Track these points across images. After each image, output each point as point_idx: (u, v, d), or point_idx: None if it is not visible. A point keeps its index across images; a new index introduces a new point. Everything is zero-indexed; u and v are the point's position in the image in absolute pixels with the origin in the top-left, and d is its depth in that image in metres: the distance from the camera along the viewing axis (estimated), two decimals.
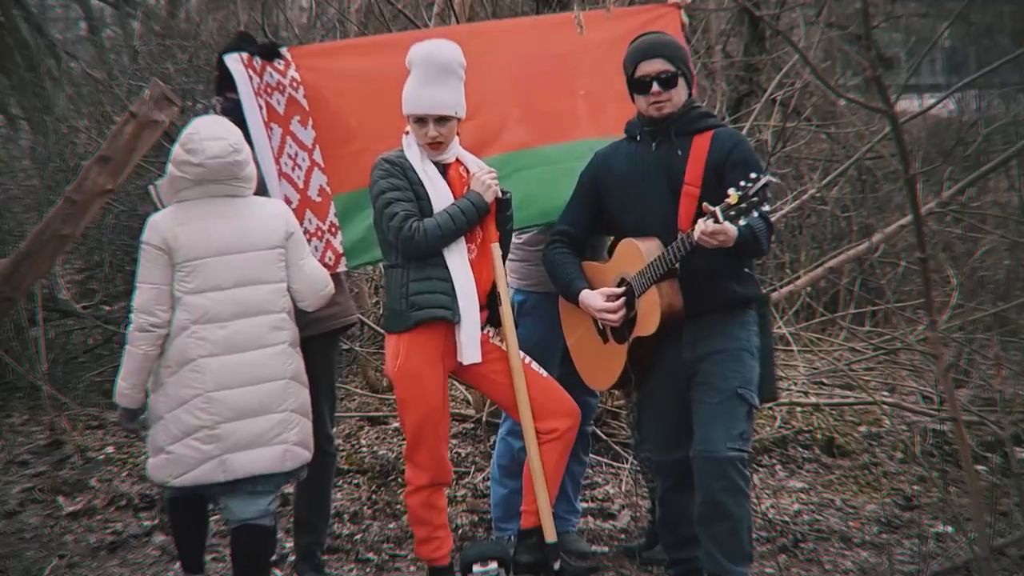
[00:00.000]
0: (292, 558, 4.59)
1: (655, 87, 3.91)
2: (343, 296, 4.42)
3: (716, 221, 3.55)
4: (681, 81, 3.94)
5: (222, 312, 3.83)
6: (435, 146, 4.01)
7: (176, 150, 3.89)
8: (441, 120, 3.97)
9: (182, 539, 4.09)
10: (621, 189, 4.00)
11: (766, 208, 3.57)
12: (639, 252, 3.88)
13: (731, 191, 3.56)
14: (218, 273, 3.84)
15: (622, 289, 3.95)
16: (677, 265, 3.77)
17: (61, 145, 8.03)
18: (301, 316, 4.13)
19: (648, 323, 3.86)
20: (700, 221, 3.61)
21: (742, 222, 3.57)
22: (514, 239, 4.52)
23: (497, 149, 4.44)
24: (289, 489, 4.59)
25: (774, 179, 3.57)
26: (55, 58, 11.47)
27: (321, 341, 4.31)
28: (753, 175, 3.57)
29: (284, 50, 4.30)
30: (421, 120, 3.98)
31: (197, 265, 3.82)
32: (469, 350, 3.97)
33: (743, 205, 3.54)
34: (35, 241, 4.23)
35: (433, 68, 3.96)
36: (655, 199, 3.90)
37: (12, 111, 11.38)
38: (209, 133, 3.88)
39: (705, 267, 3.78)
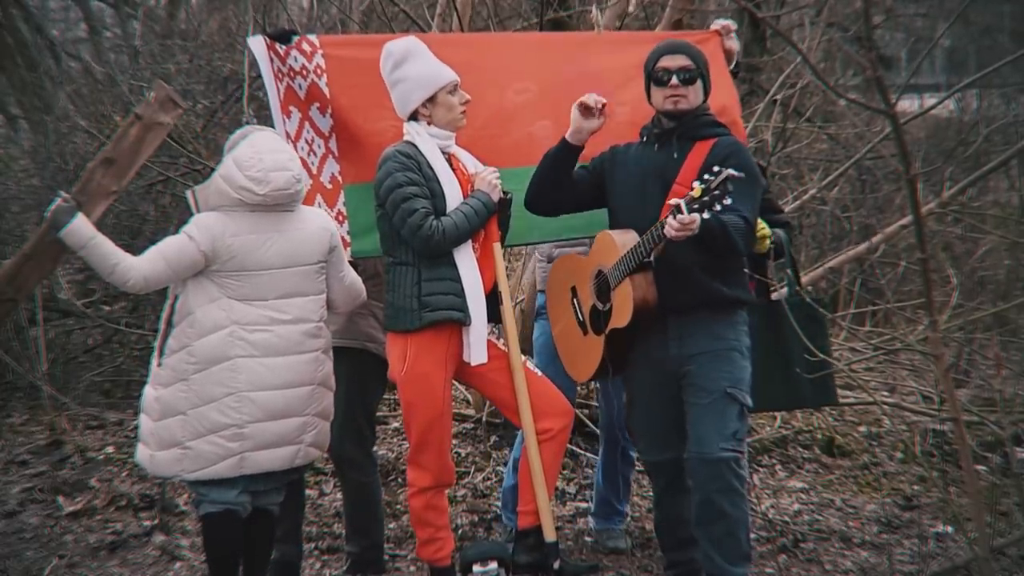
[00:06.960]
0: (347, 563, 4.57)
1: (674, 80, 3.91)
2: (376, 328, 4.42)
3: (680, 212, 3.57)
4: (699, 83, 3.95)
5: (265, 319, 3.88)
6: (460, 117, 4.03)
7: (233, 171, 3.85)
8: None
9: (217, 562, 3.97)
10: (619, 187, 4.02)
11: (728, 201, 3.57)
12: (614, 244, 3.91)
13: (695, 184, 3.60)
14: (267, 286, 3.89)
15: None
16: (651, 259, 3.79)
17: (61, 145, 8.02)
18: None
19: (622, 315, 3.89)
20: (668, 215, 3.63)
21: (706, 215, 3.58)
22: (549, 246, 4.67)
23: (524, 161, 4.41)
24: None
25: (736, 173, 3.57)
26: (55, 58, 11.46)
27: (366, 355, 4.38)
28: (716, 168, 3.59)
29: (313, 37, 4.30)
30: (453, 90, 4.01)
31: (248, 276, 3.87)
32: (477, 351, 3.98)
33: (705, 198, 3.57)
34: (38, 243, 4.21)
35: (423, 50, 4.01)
36: (647, 199, 3.92)
37: (12, 111, 11.37)
38: (274, 162, 3.86)
39: (681, 261, 3.79)
